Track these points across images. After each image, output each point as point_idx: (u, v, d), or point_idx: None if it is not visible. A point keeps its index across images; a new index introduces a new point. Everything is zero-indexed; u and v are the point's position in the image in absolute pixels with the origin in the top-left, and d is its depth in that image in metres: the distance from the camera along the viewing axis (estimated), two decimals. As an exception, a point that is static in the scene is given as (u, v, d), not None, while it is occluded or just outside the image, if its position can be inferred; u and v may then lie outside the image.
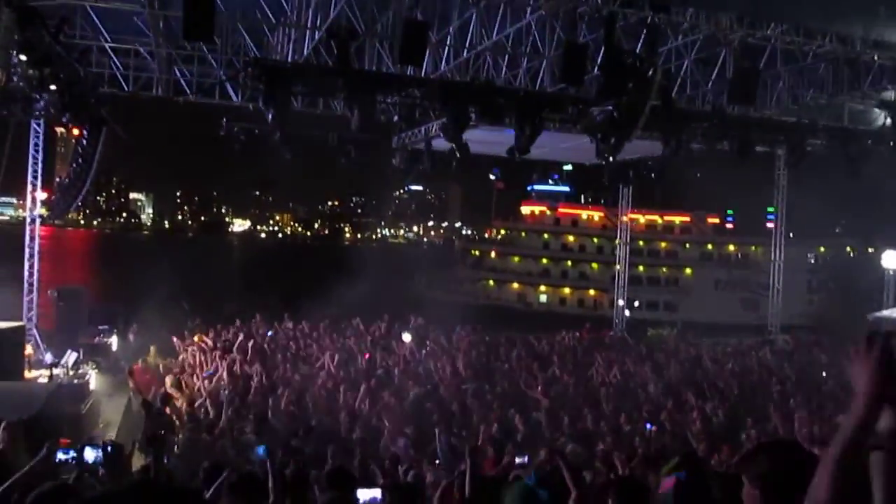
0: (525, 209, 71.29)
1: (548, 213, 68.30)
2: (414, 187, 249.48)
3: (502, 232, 71.65)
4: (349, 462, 8.83)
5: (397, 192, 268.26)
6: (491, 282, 64.70)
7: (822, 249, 61.63)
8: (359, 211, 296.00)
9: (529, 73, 18.93)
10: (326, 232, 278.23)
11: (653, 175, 22.54)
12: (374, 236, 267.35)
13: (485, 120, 16.75)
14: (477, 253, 69.38)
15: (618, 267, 32.13)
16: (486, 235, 75.75)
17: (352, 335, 20.04)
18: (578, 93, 16.83)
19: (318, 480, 6.96)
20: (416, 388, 13.98)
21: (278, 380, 14.54)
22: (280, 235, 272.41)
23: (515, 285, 64.33)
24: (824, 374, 18.12)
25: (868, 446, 1.96)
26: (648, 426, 11.23)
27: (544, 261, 65.85)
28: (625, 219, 32.07)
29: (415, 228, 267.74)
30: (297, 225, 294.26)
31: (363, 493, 5.14)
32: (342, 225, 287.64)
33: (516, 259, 66.10)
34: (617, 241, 61.57)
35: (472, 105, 16.05)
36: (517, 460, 7.17)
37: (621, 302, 31.35)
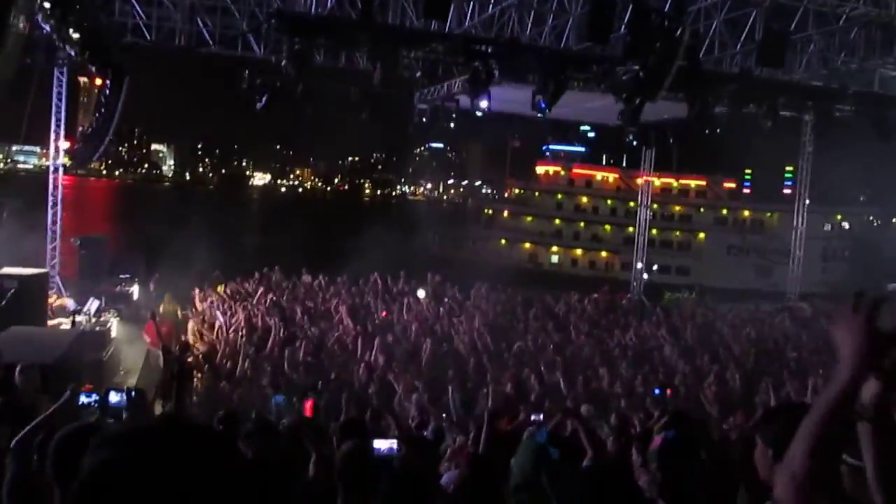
0: (539, 169, 70.68)
1: (562, 173, 67.77)
2: (435, 145, 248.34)
3: (516, 191, 71.34)
4: (363, 415, 8.95)
5: (418, 150, 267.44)
6: (503, 241, 64.44)
7: (839, 217, 60.73)
8: (379, 167, 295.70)
9: (555, 32, 18.66)
10: (346, 188, 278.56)
11: (671, 139, 22.24)
12: (393, 193, 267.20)
13: (508, 77, 16.58)
14: (490, 212, 69.14)
15: (637, 230, 31.92)
16: (506, 195, 75.14)
17: (369, 290, 20.15)
18: (604, 52, 16.59)
19: (333, 432, 7.07)
20: (431, 345, 14.06)
21: (296, 332, 14.69)
22: (300, 190, 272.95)
23: (527, 245, 64.15)
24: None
25: (853, 417, 1.85)
26: (657, 391, 11.22)
27: (557, 221, 65.55)
28: (644, 181, 31.79)
29: (429, 186, 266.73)
30: (317, 180, 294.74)
31: (379, 443, 5.21)
32: (362, 181, 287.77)
33: (529, 219, 65.86)
34: (630, 204, 61.91)
35: (496, 62, 15.88)
36: (532, 417, 7.23)
37: (640, 265, 31.22)
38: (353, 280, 21.06)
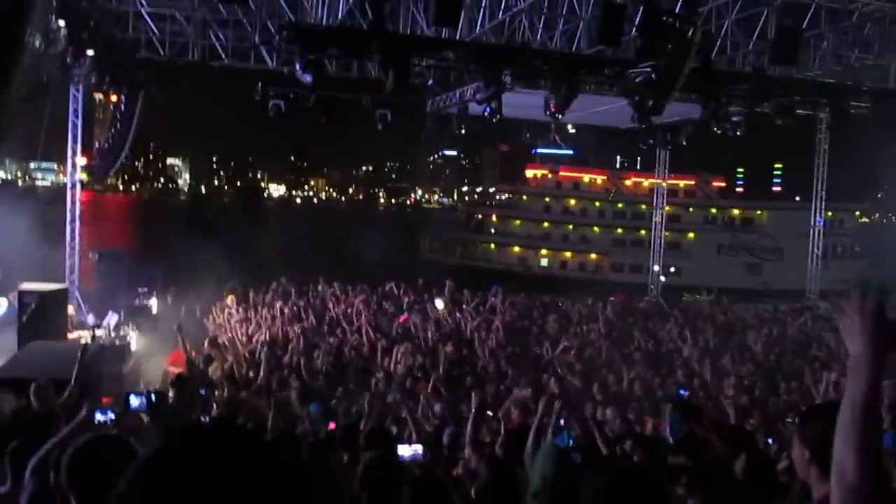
0: (529, 172, 71.07)
1: (549, 176, 68.06)
2: (448, 152, 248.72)
3: (506, 196, 71.54)
4: (383, 422, 8.96)
5: (432, 157, 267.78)
6: (492, 245, 64.88)
7: (831, 214, 60.23)
8: (393, 176, 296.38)
9: (566, 36, 18.65)
10: (360, 197, 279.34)
11: (684, 141, 22.17)
12: (407, 201, 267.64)
13: (520, 83, 16.58)
14: (480, 216, 69.41)
15: (652, 232, 31.85)
16: (496, 199, 75.48)
17: (387, 298, 20.18)
18: (615, 54, 16.57)
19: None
20: (449, 351, 14.05)
21: (315, 341, 14.72)
22: (315, 200, 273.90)
23: (516, 248, 64.44)
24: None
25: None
26: (682, 392, 11.18)
27: (545, 224, 65.81)
28: (653, 183, 31.68)
29: (437, 193, 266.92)
30: (331, 190, 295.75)
31: (404, 450, 5.21)
32: (376, 190, 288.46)
33: (518, 222, 66.09)
34: (618, 205, 61.95)
35: (508, 68, 15.89)
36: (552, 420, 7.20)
37: (656, 267, 31.16)
38: (371, 288, 21.11)
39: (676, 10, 14.86)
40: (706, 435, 6.41)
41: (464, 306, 19.39)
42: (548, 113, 16.80)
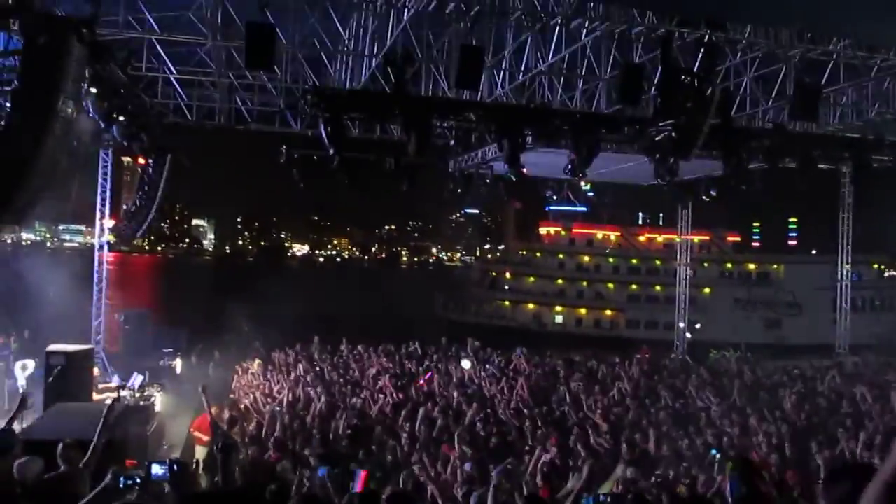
0: (542, 230, 71.49)
1: (562, 232, 68.19)
2: (470, 210, 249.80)
3: (521, 253, 71.80)
4: (405, 485, 8.84)
5: (454, 216, 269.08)
6: (507, 302, 64.76)
7: (849, 267, 59.72)
8: (415, 235, 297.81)
9: (585, 95, 18.87)
10: (383, 256, 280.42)
11: (713, 194, 22.13)
12: (430, 260, 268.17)
13: (541, 142, 16.73)
14: (494, 273, 69.49)
15: (678, 288, 31.58)
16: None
17: (410, 358, 20.12)
18: (635, 112, 16.70)
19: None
20: (473, 412, 13.90)
21: (338, 402, 14.65)
22: (338, 259, 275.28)
23: (531, 305, 64.21)
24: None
25: None
26: (714, 452, 10.95)
27: (560, 281, 65.68)
28: (682, 238, 31.54)
29: (460, 251, 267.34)
30: (354, 249, 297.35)
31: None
32: (399, 249, 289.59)
33: (532, 279, 65.90)
34: (633, 261, 61.75)
35: (528, 127, 16.06)
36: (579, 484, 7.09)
37: (682, 324, 30.83)
38: (393, 348, 21.08)
39: (695, 69, 15.03)
40: (769, 491, 6.26)
41: (486, 366, 19.26)
42: (568, 171, 16.90)
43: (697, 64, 15.26)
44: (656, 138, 16.07)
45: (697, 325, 45.02)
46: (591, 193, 69.21)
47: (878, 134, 18.91)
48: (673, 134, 15.32)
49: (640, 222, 71.45)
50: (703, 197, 21.73)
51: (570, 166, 16.53)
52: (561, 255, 66.88)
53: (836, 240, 28.39)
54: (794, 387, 18.68)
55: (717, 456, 10.63)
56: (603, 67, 17.67)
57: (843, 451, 11.64)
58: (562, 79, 18.90)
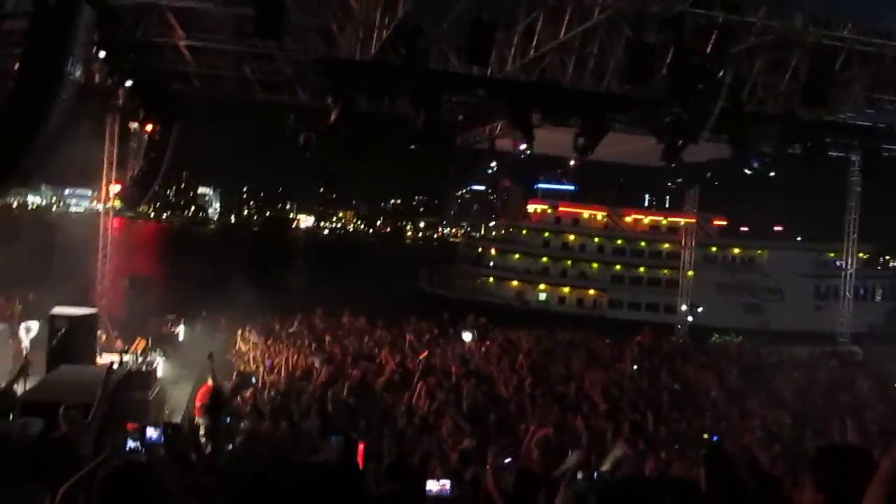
0: (530, 207, 71.46)
1: (549, 211, 68.31)
2: (476, 187, 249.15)
3: (505, 231, 72.00)
4: (406, 457, 8.90)
5: (459, 192, 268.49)
6: (491, 279, 65.17)
7: (833, 255, 59.32)
8: (421, 210, 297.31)
9: (595, 75, 18.72)
10: (388, 230, 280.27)
11: (715, 180, 22.06)
12: (434, 235, 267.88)
13: (549, 120, 16.64)
14: (480, 250, 69.66)
15: (681, 271, 31.61)
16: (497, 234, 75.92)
17: (410, 332, 20.17)
18: (645, 93, 16.58)
19: (375, 473, 7.04)
20: (472, 388, 13.97)
21: (338, 373, 14.73)
22: (342, 232, 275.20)
23: (514, 283, 64.48)
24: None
25: None
26: (715, 438, 10.99)
27: (544, 259, 65.94)
28: (687, 222, 31.52)
29: (465, 227, 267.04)
30: (359, 222, 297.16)
31: (432, 485, 5.19)
32: (403, 223, 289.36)
33: (517, 257, 66.20)
34: (618, 242, 61.67)
35: (537, 105, 15.97)
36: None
37: (684, 307, 30.88)
38: (394, 322, 21.15)
39: (706, 52, 14.88)
40: (744, 476, 6.30)
41: (486, 342, 19.34)
42: (577, 150, 16.81)
43: (710, 46, 15.12)
44: (665, 120, 15.97)
45: (699, 309, 44.96)
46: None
47: (890, 122, 18.76)
48: (682, 116, 15.23)
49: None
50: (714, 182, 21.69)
51: (578, 145, 16.46)
52: (546, 234, 66.95)
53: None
54: (793, 373, 18.75)
55: (715, 441, 10.66)
56: (613, 46, 17.50)
57: (839, 438, 11.69)
58: (573, 58, 18.75)
